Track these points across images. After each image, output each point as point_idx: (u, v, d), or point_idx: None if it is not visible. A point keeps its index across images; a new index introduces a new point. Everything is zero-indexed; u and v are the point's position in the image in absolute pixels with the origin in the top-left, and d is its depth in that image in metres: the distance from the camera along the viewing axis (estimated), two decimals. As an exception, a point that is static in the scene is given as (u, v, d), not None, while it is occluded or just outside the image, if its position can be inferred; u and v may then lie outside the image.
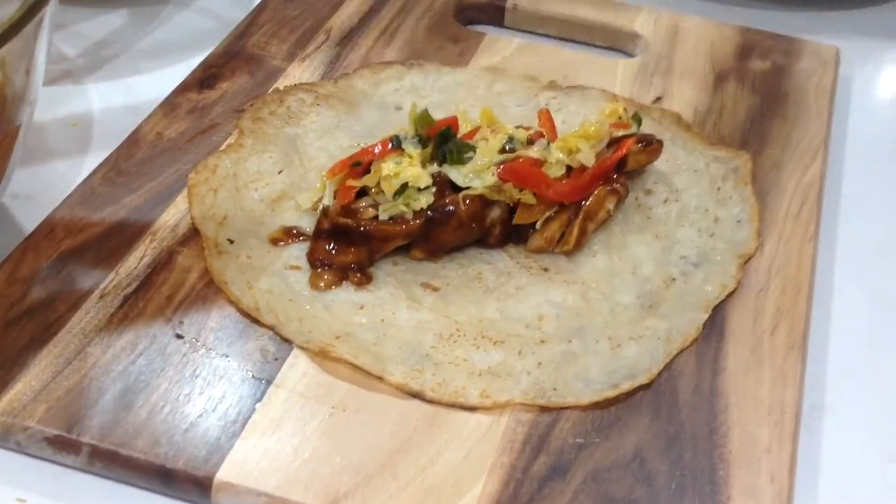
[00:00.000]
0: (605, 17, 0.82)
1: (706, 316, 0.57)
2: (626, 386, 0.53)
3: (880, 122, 0.79)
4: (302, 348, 0.54)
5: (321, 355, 0.53)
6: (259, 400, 0.51)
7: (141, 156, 0.65)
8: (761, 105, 0.74)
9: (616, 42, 0.82)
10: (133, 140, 0.66)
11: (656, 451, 0.50)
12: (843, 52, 0.81)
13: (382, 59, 0.76)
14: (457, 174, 0.59)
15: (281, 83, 0.72)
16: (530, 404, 0.52)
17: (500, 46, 0.79)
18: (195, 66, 0.73)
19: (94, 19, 0.81)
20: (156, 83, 0.73)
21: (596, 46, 0.82)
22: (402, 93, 0.72)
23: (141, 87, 0.75)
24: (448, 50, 0.78)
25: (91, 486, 0.49)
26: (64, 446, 0.49)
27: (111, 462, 0.48)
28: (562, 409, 0.52)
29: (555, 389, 0.53)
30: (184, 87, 0.71)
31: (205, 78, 0.72)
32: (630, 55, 0.81)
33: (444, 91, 0.72)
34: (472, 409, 0.52)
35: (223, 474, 0.48)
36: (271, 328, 0.55)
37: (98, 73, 0.76)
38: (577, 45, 0.82)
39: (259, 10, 0.80)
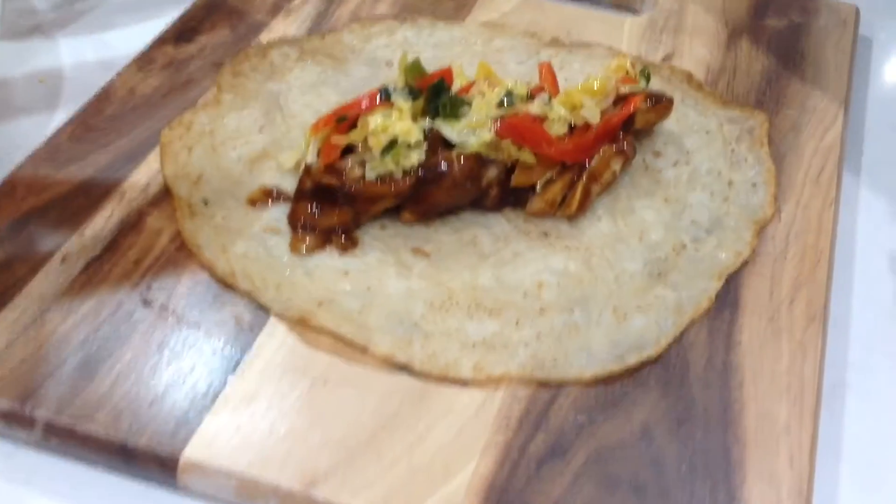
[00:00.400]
0: (611, -27, 0.77)
1: (719, 285, 0.53)
2: (633, 359, 0.49)
3: (902, 85, 0.75)
4: (280, 317, 0.49)
5: (301, 324, 0.49)
6: (232, 372, 0.47)
7: (112, 112, 0.60)
8: (777, 65, 0.70)
9: (622, 0, 0.77)
10: (104, 95, 0.61)
11: (665, 429, 0.46)
12: (863, 12, 0.77)
13: (373, 14, 0.71)
14: (450, 130, 0.55)
15: (264, 37, 0.67)
16: (528, 378, 0.48)
17: (499, 2, 0.74)
18: (173, 21, 0.69)
19: (68, -28, 0.77)
20: (131, 38, 0.69)
21: (600, 4, 0.77)
22: (393, 48, 0.67)
23: (115, 42, 0.70)
24: (444, 5, 0.73)
25: (47, 465, 0.45)
26: (16, 420, 0.45)
27: (68, 438, 0.44)
28: (562, 383, 0.48)
29: (555, 362, 0.48)
30: (160, 41, 0.66)
31: (183, 31, 0.67)
32: (636, 13, 0.76)
33: (438, 47, 0.68)
34: (464, 383, 0.47)
35: (190, 452, 0.43)
36: (247, 295, 0.50)
37: (70, 28, 0.71)
38: (581, 2, 0.77)
39: (243, -39, 0.75)
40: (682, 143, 0.61)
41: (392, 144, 0.53)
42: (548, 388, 0.48)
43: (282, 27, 0.69)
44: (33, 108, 0.64)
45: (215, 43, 0.67)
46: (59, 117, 0.62)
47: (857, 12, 0.76)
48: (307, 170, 0.54)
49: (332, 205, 0.53)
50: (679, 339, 0.50)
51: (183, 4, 0.70)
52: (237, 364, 0.47)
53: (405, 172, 0.54)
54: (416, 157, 0.53)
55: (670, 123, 0.62)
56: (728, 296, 0.53)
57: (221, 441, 0.44)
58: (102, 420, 0.44)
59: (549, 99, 0.57)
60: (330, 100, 0.62)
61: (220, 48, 0.66)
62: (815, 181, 0.60)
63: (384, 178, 0.53)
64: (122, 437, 0.44)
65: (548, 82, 0.60)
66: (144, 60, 0.64)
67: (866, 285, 0.57)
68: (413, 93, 0.55)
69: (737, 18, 0.74)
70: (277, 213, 0.55)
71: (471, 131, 0.55)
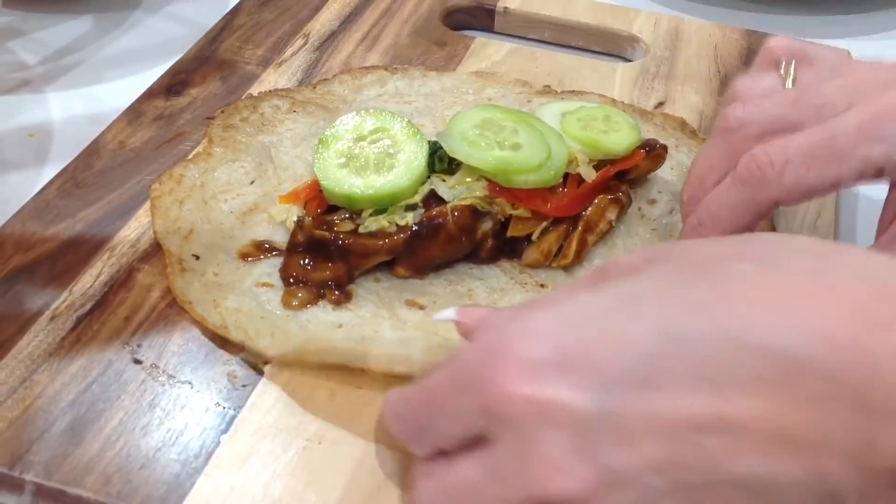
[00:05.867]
0: (602, 21, 0.77)
1: (719, 334, 0.52)
2: (634, 412, 0.48)
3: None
4: (276, 360, 0.48)
5: (295, 364, 0.48)
6: (224, 431, 0.46)
7: (101, 166, 0.60)
8: (770, 110, 0.69)
9: (614, 47, 0.77)
10: (93, 149, 0.61)
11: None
12: (853, 55, 0.77)
13: (364, 64, 0.71)
14: (444, 188, 0.54)
15: (255, 89, 0.67)
16: (528, 433, 0.47)
17: (490, 51, 0.74)
18: (163, 73, 0.68)
19: (57, 26, 0.77)
20: (121, 91, 0.68)
21: (591, 52, 0.77)
22: (384, 98, 0.67)
23: (104, 96, 0.70)
24: (434, 54, 0.73)
25: (35, 529, 0.43)
26: (5, 485, 0.43)
27: (57, 502, 0.43)
28: (562, 438, 0.47)
29: (554, 417, 0.47)
30: (150, 94, 0.66)
31: (173, 84, 0.67)
32: (628, 60, 0.76)
33: (430, 97, 0.67)
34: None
35: (182, 516, 0.42)
36: (241, 345, 0.49)
37: (59, 82, 0.71)
38: (571, 50, 0.77)
39: (233, 13, 0.75)
40: (677, 190, 0.61)
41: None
42: (548, 443, 0.46)
43: (273, 78, 0.68)
44: (23, 162, 0.64)
45: (206, 95, 0.66)
46: (49, 172, 0.61)
47: (849, 56, 0.76)
48: (299, 223, 0.54)
49: (324, 258, 0.53)
50: (680, 391, 0.49)
51: (173, 57, 0.70)
52: (230, 423, 0.46)
53: (399, 227, 0.53)
54: (411, 217, 0.53)
55: (665, 171, 0.62)
56: (728, 345, 0.52)
57: (214, 504, 0.43)
58: (91, 484, 0.43)
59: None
60: (322, 151, 0.61)
61: (210, 101, 0.66)
62: (813, 227, 0.59)
63: (378, 233, 0.53)
64: (111, 501, 0.42)
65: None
66: (134, 114, 0.64)
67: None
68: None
69: (729, 64, 0.74)
70: (270, 268, 0.54)
71: (465, 188, 0.54)
